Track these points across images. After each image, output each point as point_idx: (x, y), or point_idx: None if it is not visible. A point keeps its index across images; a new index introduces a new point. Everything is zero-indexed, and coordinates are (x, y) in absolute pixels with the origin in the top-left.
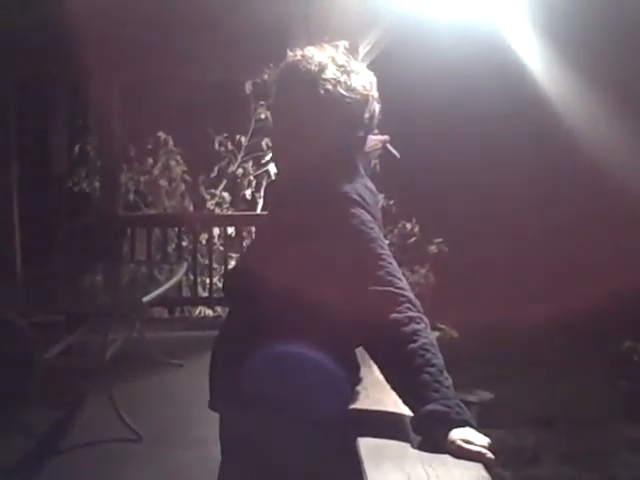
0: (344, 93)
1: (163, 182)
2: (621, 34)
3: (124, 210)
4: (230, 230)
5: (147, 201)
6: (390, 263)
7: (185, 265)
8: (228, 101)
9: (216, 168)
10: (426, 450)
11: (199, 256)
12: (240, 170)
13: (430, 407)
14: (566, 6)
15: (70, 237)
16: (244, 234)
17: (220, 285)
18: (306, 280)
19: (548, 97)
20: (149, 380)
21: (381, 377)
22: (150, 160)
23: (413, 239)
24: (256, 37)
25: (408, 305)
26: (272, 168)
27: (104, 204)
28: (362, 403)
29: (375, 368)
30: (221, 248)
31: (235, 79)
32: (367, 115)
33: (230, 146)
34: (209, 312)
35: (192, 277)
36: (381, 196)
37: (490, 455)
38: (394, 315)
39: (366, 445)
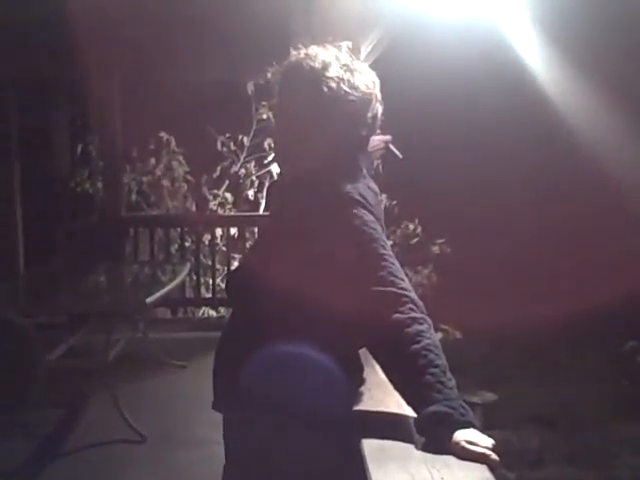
0: (348, 91)
1: (166, 182)
2: (622, 33)
3: (127, 211)
4: (233, 231)
5: (150, 202)
6: (392, 263)
7: (188, 266)
8: (230, 101)
9: (218, 168)
10: (430, 451)
11: (202, 257)
12: (242, 170)
13: (433, 408)
14: (567, 4)
15: (73, 238)
16: (247, 235)
17: (223, 286)
18: (308, 280)
19: (549, 96)
20: (152, 381)
21: (384, 378)
22: (152, 160)
23: (416, 240)
24: (257, 37)
25: (411, 306)
26: (275, 168)
27: (107, 205)
28: (366, 404)
29: (378, 369)
30: (224, 249)
31: (236, 79)
32: (370, 114)
33: (232, 146)
34: (212, 313)
35: (195, 278)
36: (384, 196)
37: (494, 456)
38: (397, 316)
39: (370, 446)
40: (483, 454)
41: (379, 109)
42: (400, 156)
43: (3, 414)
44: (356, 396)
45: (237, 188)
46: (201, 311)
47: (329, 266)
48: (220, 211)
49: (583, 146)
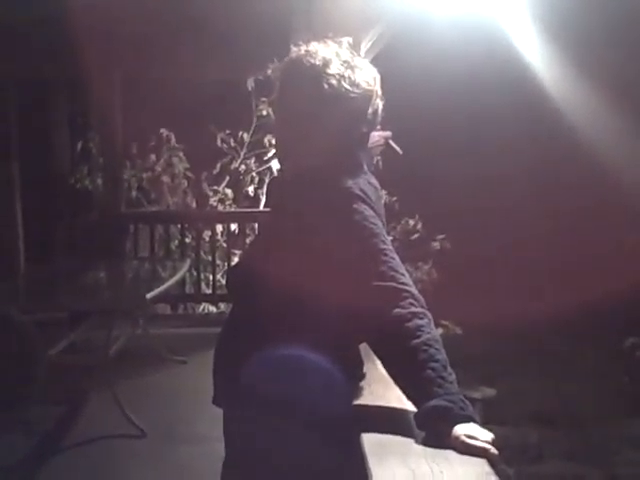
0: (348, 88)
1: (166, 179)
2: (622, 31)
3: (127, 207)
4: (233, 227)
5: (150, 198)
6: (393, 258)
7: (188, 262)
8: (230, 98)
9: (219, 165)
10: (430, 446)
11: (202, 253)
12: (243, 167)
13: (434, 402)
14: (568, 3)
15: (73, 234)
16: (247, 231)
17: (223, 282)
18: (309, 276)
19: (550, 93)
20: (153, 377)
21: (385, 373)
22: (153, 157)
23: (416, 235)
24: (258, 34)
25: (411, 300)
26: (275, 165)
27: (107, 201)
28: (366, 399)
29: (379, 364)
30: (224, 245)
31: (237, 76)
32: (370, 111)
33: (233, 143)
34: (212, 309)
35: (195, 274)
36: (384, 192)
37: (494, 451)
38: (397, 310)
39: (370, 441)
40: (483, 448)
41: (380, 105)
42: (400, 152)
43: (4, 410)
44: (356, 391)
45: (237, 184)
46: (201, 307)
47: (329, 261)
48: (220, 207)
49: (584, 142)
